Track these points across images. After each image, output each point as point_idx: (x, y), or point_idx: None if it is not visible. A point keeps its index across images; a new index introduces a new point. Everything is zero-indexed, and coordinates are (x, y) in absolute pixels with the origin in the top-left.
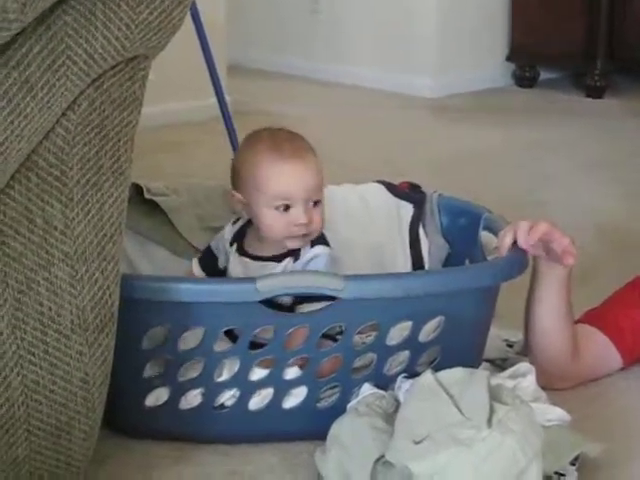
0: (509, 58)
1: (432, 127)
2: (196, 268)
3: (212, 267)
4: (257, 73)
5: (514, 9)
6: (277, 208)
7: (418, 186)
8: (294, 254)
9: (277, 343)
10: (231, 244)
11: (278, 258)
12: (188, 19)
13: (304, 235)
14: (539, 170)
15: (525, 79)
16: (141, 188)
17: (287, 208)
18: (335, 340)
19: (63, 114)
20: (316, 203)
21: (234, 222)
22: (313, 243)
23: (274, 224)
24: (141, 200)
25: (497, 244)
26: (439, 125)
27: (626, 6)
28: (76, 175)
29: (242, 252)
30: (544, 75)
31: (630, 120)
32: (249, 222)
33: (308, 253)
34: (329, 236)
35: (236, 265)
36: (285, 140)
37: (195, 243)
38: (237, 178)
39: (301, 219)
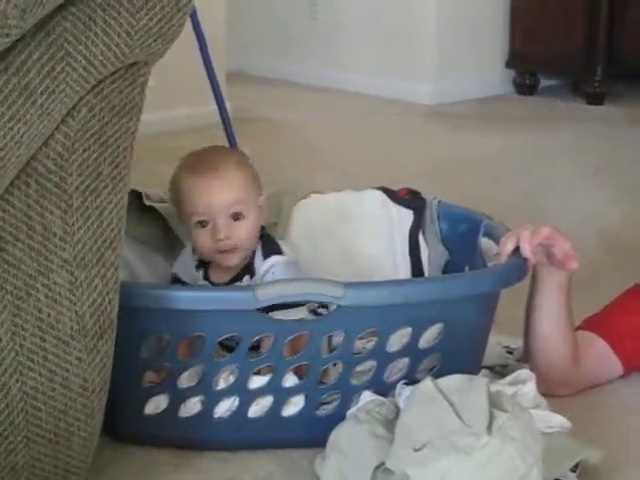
0: (509, 65)
1: (432, 134)
2: None
3: None
4: (257, 80)
5: (514, 16)
6: (196, 224)
7: (418, 193)
8: (249, 271)
9: (276, 351)
10: (197, 269)
11: (236, 279)
12: (188, 26)
13: (232, 249)
14: (539, 177)
15: (525, 86)
16: (140, 194)
17: (206, 224)
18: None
19: (62, 120)
20: (238, 217)
21: (193, 249)
22: (266, 255)
23: (200, 240)
24: (140, 206)
25: (498, 250)
26: (439, 132)
27: (625, 13)
28: (75, 181)
29: (207, 279)
30: (544, 82)
31: (630, 127)
32: None
33: (263, 266)
34: (329, 243)
35: None
36: (204, 157)
37: None
38: (173, 201)
39: (218, 234)
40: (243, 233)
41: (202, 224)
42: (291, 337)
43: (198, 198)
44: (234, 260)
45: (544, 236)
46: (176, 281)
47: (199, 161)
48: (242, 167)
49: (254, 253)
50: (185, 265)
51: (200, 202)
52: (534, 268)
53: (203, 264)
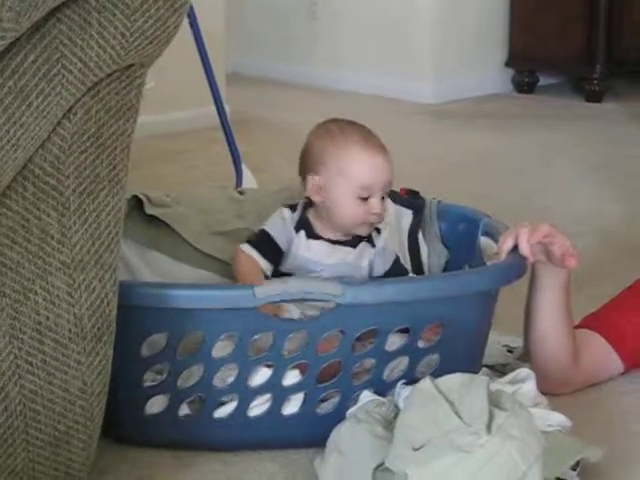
0: (508, 64)
1: (431, 133)
2: (253, 252)
3: (273, 251)
4: (256, 81)
5: (513, 15)
6: (359, 197)
7: (417, 192)
8: (366, 239)
9: (276, 349)
10: (297, 230)
11: (352, 243)
12: (187, 28)
13: (373, 224)
14: (539, 175)
15: (524, 84)
16: (141, 201)
17: (366, 198)
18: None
19: (59, 123)
20: (384, 196)
21: (291, 209)
22: (377, 230)
23: (353, 211)
24: (142, 213)
25: (497, 249)
26: (438, 131)
27: (624, 11)
28: (72, 184)
29: (313, 236)
30: (543, 80)
31: (629, 124)
32: (307, 210)
33: (379, 242)
34: None
35: (307, 250)
36: (371, 134)
37: (206, 250)
38: (315, 162)
39: (378, 209)
40: (386, 211)
41: (365, 197)
42: (323, 365)
43: (369, 174)
44: (369, 231)
45: (543, 234)
46: (266, 237)
47: (366, 137)
48: None
49: None
50: (281, 226)
51: (370, 178)
52: (533, 267)
53: (304, 225)
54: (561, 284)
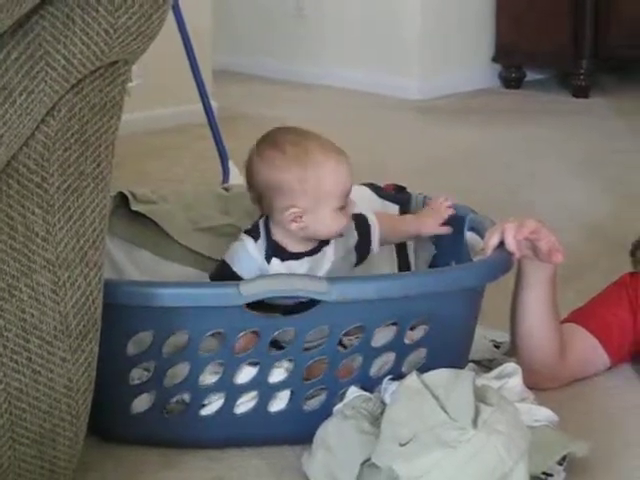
0: (495, 59)
1: (418, 129)
2: None
3: None
4: (243, 77)
5: (499, 10)
6: (336, 209)
7: (404, 188)
8: (325, 243)
9: (262, 346)
10: (268, 260)
11: (326, 241)
12: (174, 25)
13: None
14: (526, 170)
15: (511, 80)
16: (127, 198)
17: (342, 207)
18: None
19: (42, 120)
20: None
21: (254, 237)
22: None
23: (338, 222)
24: (128, 210)
25: (483, 244)
26: (425, 127)
27: (610, 7)
28: (57, 181)
29: (289, 257)
30: (530, 76)
31: (616, 119)
32: (270, 232)
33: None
34: None
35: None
36: (322, 139)
37: (192, 246)
38: (291, 193)
39: (348, 216)
40: None
41: (343, 207)
42: (309, 363)
43: (345, 182)
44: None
45: (529, 230)
46: (229, 272)
47: (324, 146)
48: None
49: None
50: (246, 261)
51: (346, 186)
52: (519, 262)
53: (274, 250)
54: (547, 279)
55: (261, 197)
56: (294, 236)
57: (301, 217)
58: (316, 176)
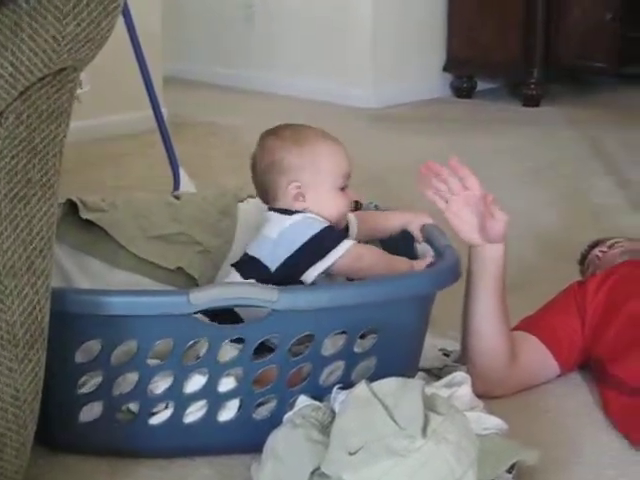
0: (446, 69)
1: (370, 137)
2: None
3: None
4: (193, 84)
5: (451, 20)
6: (340, 188)
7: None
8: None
9: (211, 356)
10: None
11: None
12: (124, 31)
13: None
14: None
15: (462, 89)
16: (76, 205)
17: (344, 188)
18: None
19: None
20: None
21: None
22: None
23: (339, 204)
24: (77, 217)
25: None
26: (377, 136)
27: (560, 18)
28: (4, 189)
29: None
30: (481, 85)
31: (566, 128)
32: None
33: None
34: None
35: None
36: (327, 133)
37: (142, 254)
38: (289, 171)
39: (354, 196)
40: None
41: (342, 189)
42: (260, 371)
43: (342, 163)
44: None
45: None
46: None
47: (322, 131)
48: None
49: None
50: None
51: (346, 164)
52: (469, 262)
53: None
54: (496, 278)
55: (266, 187)
56: None
57: (304, 196)
58: (312, 152)
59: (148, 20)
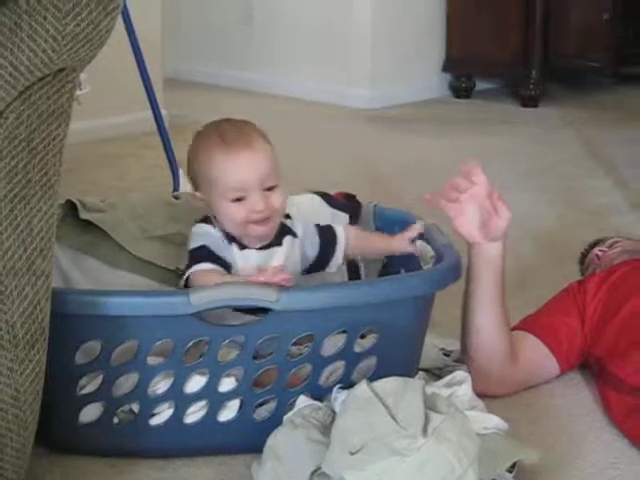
0: (445, 69)
1: (369, 138)
2: (207, 265)
3: (223, 264)
4: (193, 85)
5: (450, 20)
6: (233, 201)
7: (353, 196)
8: (288, 232)
9: (211, 355)
10: (230, 242)
11: (275, 243)
12: (124, 33)
13: (265, 219)
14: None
15: (461, 89)
16: (76, 206)
17: (243, 198)
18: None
19: None
20: (271, 188)
21: (211, 224)
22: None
23: (234, 215)
24: (77, 218)
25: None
26: (376, 136)
27: (559, 17)
28: (3, 189)
29: (243, 247)
30: (480, 85)
31: (564, 128)
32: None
33: (298, 230)
34: None
35: (241, 260)
36: (231, 130)
37: (141, 254)
38: (194, 178)
39: (258, 206)
40: (278, 201)
41: (241, 198)
42: (259, 372)
43: (235, 175)
44: (268, 230)
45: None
46: (209, 254)
47: (228, 136)
48: (265, 136)
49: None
50: (214, 241)
51: (238, 178)
52: (469, 259)
53: (231, 237)
54: (495, 268)
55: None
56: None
57: (209, 205)
58: (204, 163)
59: (148, 22)
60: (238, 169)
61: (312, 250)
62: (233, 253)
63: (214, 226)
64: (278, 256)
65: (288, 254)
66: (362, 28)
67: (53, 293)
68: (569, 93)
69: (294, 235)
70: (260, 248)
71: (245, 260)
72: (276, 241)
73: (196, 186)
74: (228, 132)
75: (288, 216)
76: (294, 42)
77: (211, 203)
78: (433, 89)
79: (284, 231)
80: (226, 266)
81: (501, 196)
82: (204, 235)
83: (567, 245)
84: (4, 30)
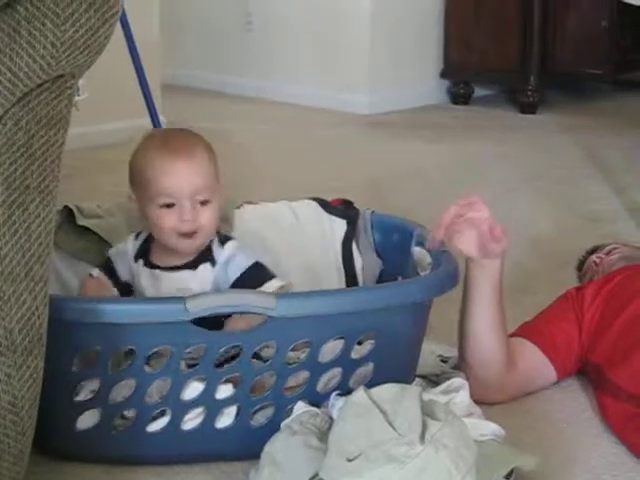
0: (443, 75)
1: (367, 144)
2: (99, 274)
3: (114, 278)
4: (191, 92)
5: (448, 26)
6: (162, 206)
7: (351, 202)
8: (207, 259)
9: (208, 362)
10: (136, 259)
11: (191, 265)
12: (122, 39)
13: (193, 233)
14: (473, 185)
15: (459, 96)
16: (73, 212)
17: (172, 205)
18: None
19: None
20: (205, 203)
21: (136, 236)
22: (222, 242)
23: (161, 222)
24: (74, 224)
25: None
26: (374, 142)
27: (557, 24)
28: (1, 195)
29: (151, 265)
30: (478, 92)
31: (563, 134)
32: (151, 235)
33: (221, 256)
34: (262, 254)
35: (145, 279)
36: (177, 138)
37: None
38: (130, 179)
39: (186, 215)
40: (208, 218)
41: (168, 206)
42: (257, 378)
43: (169, 180)
44: (194, 244)
45: (453, 214)
46: (107, 263)
47: (170, 143)
48: (210, 152)
49: (211, 242)
50: (123, 252)
51: (171, 184)
52: (466, 266)
53: (143, 252)
54: (494, 279)
55: None
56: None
57: (141, 210)
58: (139, 164)
59: (146, 28)
60: (172, 174)
61: (231, 276)
62: (137, 270)
63: (136, 237)
64: (186, 282)
65: (199, 280)
66: (360, 34)
67: (51, 299)
68: (567, 100)
69: (213, 263)
70: (172, 268)
71: (146, 278)
72: (192, 264)
73: (132, 188)
74: (173, 139)
75: (227, 237)
76: (293, 48)
77: (142, 207)
78: (431, 95)
79: (204, 257)
80: (116, 283)
81: (505, 228)
82: (123, 246)
83: (565, 251)
84: (3, 36)
